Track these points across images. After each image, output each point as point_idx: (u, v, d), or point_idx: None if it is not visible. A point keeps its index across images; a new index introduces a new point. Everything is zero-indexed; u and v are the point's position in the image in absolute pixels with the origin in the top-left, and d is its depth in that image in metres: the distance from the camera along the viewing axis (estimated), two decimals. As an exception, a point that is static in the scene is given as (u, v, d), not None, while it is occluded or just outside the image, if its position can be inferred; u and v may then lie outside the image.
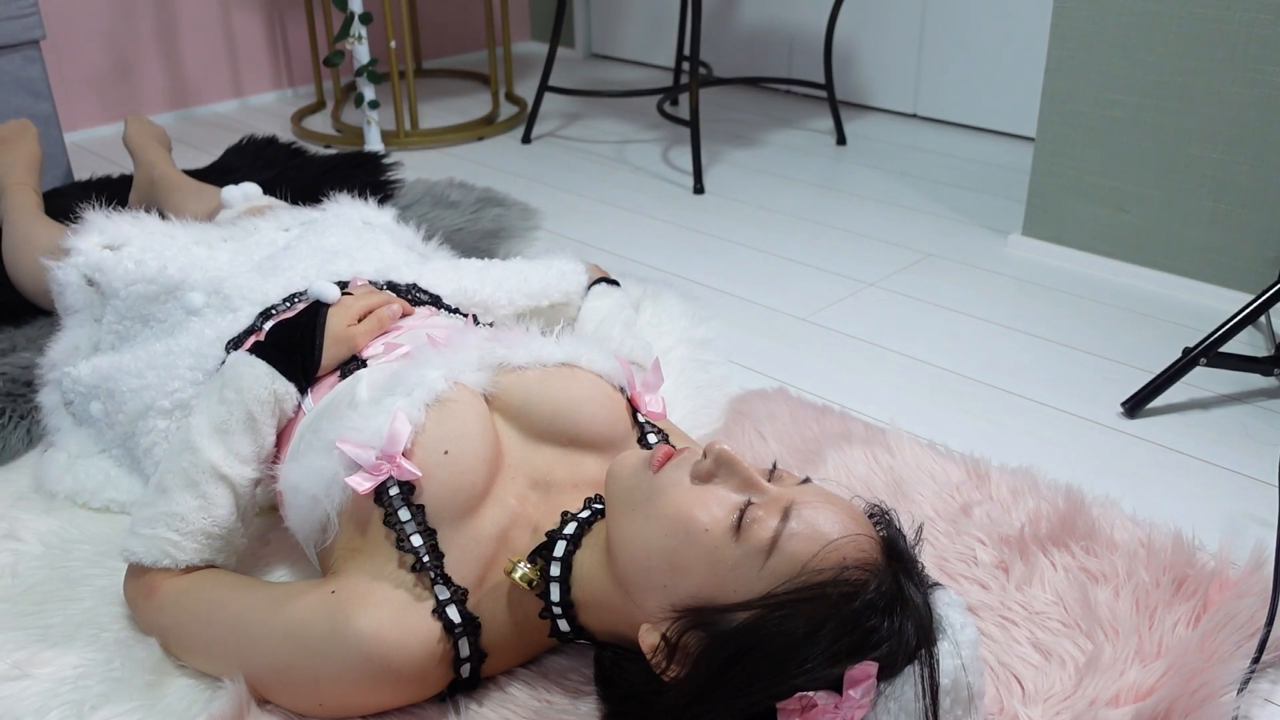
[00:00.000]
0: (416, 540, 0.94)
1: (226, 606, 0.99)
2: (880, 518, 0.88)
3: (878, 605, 0.78)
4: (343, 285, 1.26)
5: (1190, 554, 1.14)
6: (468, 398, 1.01)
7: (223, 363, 1.19)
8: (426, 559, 0.94)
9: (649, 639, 0.84)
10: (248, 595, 0.99)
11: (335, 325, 1.16)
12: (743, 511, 0.83)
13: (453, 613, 0.93)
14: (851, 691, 0.77)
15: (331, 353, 1.14)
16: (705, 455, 0.87)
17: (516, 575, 0.94)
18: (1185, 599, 1.08)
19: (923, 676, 0.79)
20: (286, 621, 0.94)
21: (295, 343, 1.13)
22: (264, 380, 1.08)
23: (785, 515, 0.82)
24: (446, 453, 0.96)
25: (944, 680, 0.79)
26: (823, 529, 0.81)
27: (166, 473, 1.05)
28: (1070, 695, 0.98)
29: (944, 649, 0.81)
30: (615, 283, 1.53)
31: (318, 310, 1.17)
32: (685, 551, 0.83)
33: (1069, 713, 0.96)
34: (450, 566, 0.95)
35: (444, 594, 0.93)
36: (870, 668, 0.77)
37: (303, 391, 1.12)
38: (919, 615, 0.81)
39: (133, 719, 0.96)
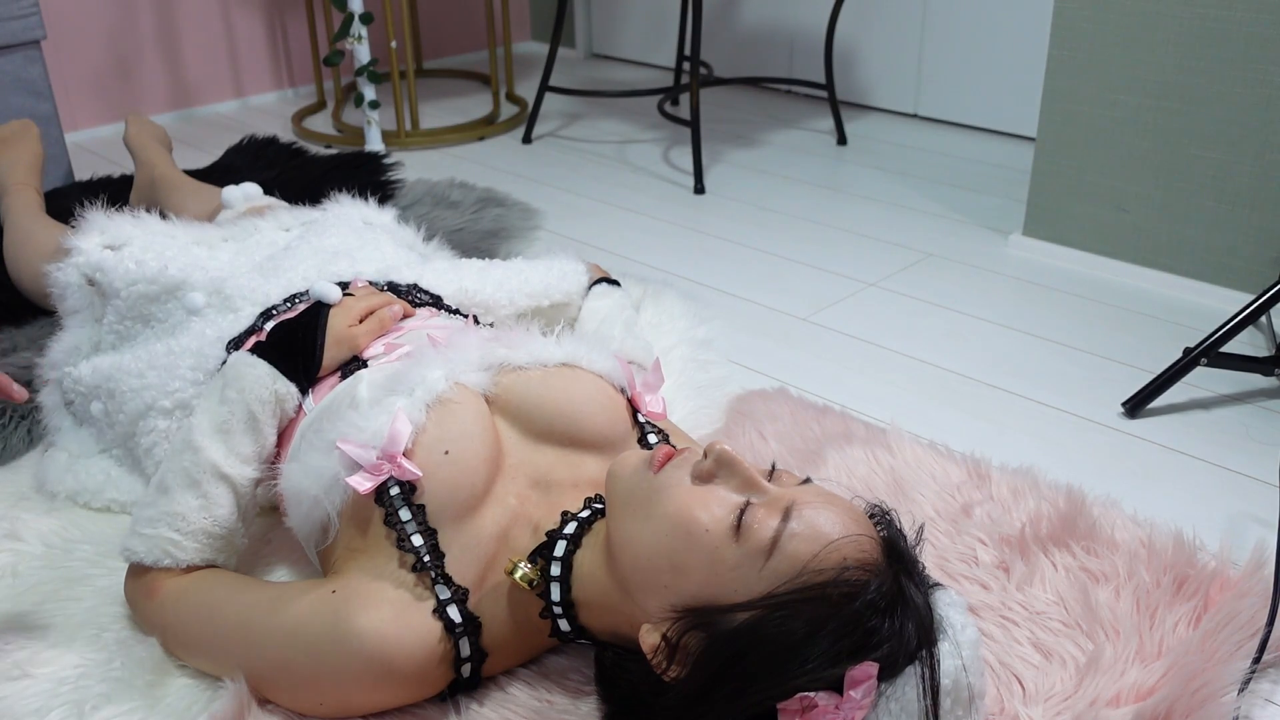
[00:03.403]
0: (417, 540, 0.94)
1: (227, 606, 0.99)
2: (881, 518, 0.88)
3: (878, 605, 0.78)
4: (344, 286, 1.26)
5: (1191, 554, 1.14)
6: (468, 398, 1.01)
7: (224, 363, 1.19)
8: (427, 559, 0.94)
9: (650, 639, 0.84)
10: (249, 595, 0.99)
11: (337, 326, 1.16)
12: (743, 511, 0.83)
13: (453, 612, 0.93)
14: (852, 692, 0.77)
15: (333, 353, 1.14)
16: (706, 455, 0.87)
17: (517, 575, 0.94)
18: (1186, 599, 1.08)
19: (923, 677, 0.79)
20: (287, 621, 0.94)
21: (296, 343, 1.13)
22: (265, 380, 1.08)
23: (786, 515, 0.82)
24: (447, 453, 0.96)
25: (945, 680, 0.79)
26: (823, 529, 0.81)
27: (168, 472, 1.05)
28: (1071, 695, 0.98)
29: (945, 649, 0.81)
30: (616, 283, 1.53)
31: (319, 311, 1.17)
32: (686, 552, 0.83)
33: (1070, 713, 0.96)
34: (451, 566, 0.95)
35: (445, 594, 0.93)
36: (871, 668, 0.77)
37: (304, 392, 1.12)
38: (920, 615, 0.81)
39: (133, 719, 0.96)
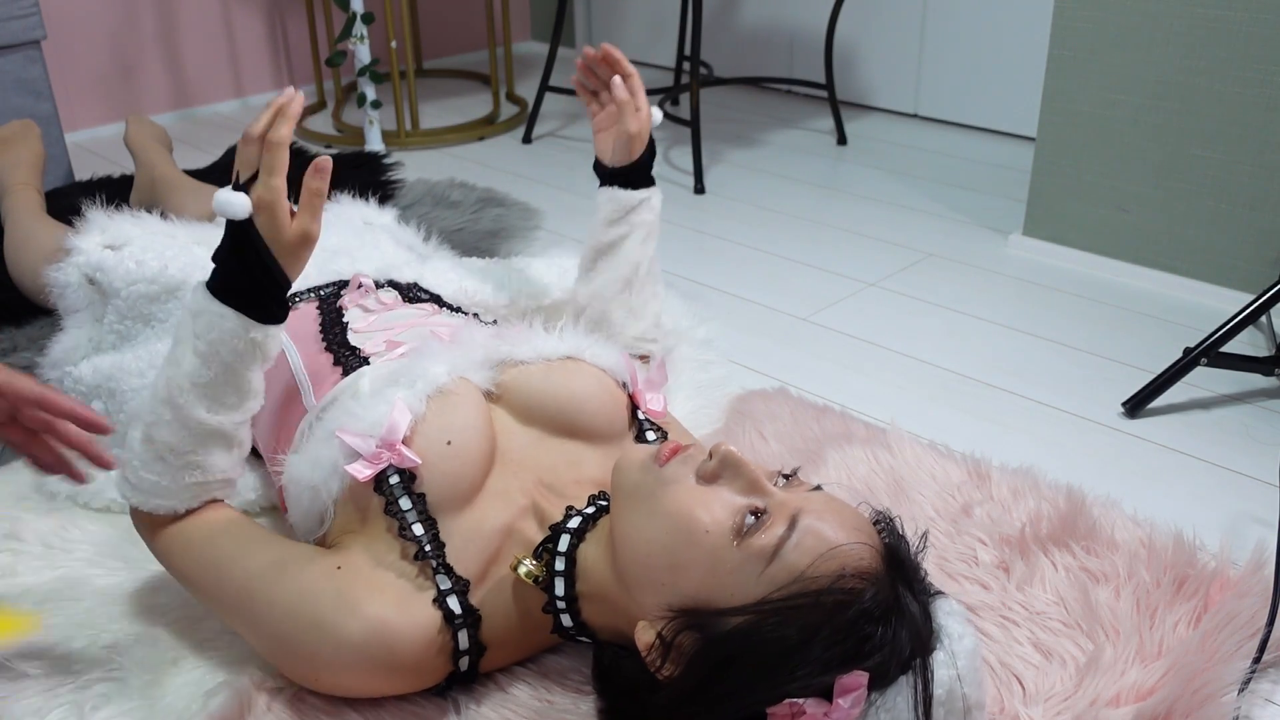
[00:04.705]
0: (418, 529, 0.95)
1: (233, 567, 0.98)
2: (885, 525, 0.87)
3: (873, 614, 0.78)
4: (343, 284, 1.26)
5: (1191, 554, 1.14)
6: (468, 390, 1.01)
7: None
8: (428, 548, 0.94)
9: (645, 636, 0.84)
10: (253, 560, 0.97)
11: (275, 233, 0.95)
12: (746, 515, 0.83)
13: (453, 603, 0.93)
14: (841, 700, 0.76)
15: (290, 260, 0.96)
16: (711, 456, 0.87)
17: (522, 571, 0.94)
18: (1186, 599, 1.08)
19: (916, 687, 0.78)
20: (291, 594, 0.93)
21: (252, 278, 0.96)
22: (239, 332, 0.97)
23: (790, 523, 0.82)
24: (449, 443, 0.96)
25: (938, 691, 0.79)
26: (826, 537, 0.81)
27: (150, 425, 0.99)
28: (1071, 695, 0.98)
29: (939, 659, 0.80)
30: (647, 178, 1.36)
31: (246, 229, 0.95)
32: (685, 551, 0.83)
33: (1070, 713, 0.96)
34: (452, 557, 0.95)
35: (445, 584, 0.93)
36: (861, 677, 0.76)
37: (283, 318, 1.00)
38: (915, 625, 0.80)
39: (133, 719, 0.96)
